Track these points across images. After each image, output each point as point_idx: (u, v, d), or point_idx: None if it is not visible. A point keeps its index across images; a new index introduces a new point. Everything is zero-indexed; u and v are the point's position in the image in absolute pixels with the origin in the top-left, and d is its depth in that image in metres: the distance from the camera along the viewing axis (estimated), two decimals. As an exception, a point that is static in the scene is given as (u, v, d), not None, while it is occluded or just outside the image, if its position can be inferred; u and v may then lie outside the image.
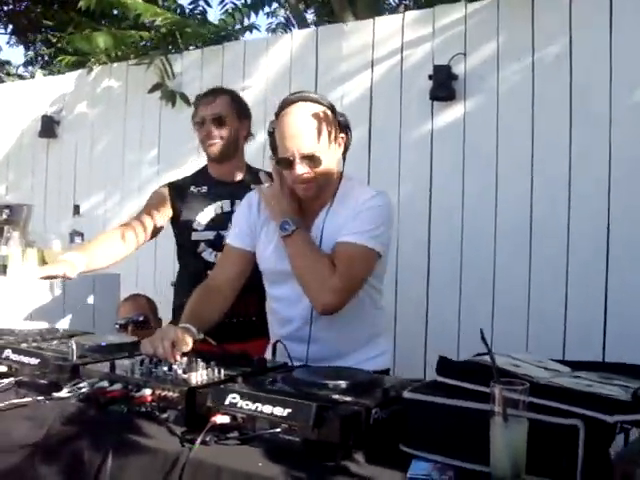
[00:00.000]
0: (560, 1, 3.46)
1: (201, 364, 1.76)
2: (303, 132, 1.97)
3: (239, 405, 1.50)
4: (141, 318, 3.21)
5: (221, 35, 4.74)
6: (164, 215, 2.80)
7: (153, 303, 3.40)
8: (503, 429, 1.25)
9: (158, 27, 4.73)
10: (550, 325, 3.36)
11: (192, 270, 2.75)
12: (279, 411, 1.45)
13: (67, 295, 3.10)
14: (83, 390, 1.72)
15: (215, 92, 2.73)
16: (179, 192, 2.80)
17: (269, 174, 2.17)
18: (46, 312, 2.85)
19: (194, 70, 4.61)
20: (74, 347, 1.89)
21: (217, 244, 2.68)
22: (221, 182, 2.77)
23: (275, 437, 1.44)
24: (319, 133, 1.98)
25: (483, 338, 1.38)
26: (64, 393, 1.73)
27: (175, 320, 2.69)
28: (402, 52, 3.84)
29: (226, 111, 2.67)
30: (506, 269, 3.52)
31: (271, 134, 2.08)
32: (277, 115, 2.06)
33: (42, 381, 1.88)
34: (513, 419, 1.24)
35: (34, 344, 2.08)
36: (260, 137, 4.13)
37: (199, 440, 1.44)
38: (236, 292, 2.23)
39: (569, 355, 2.76)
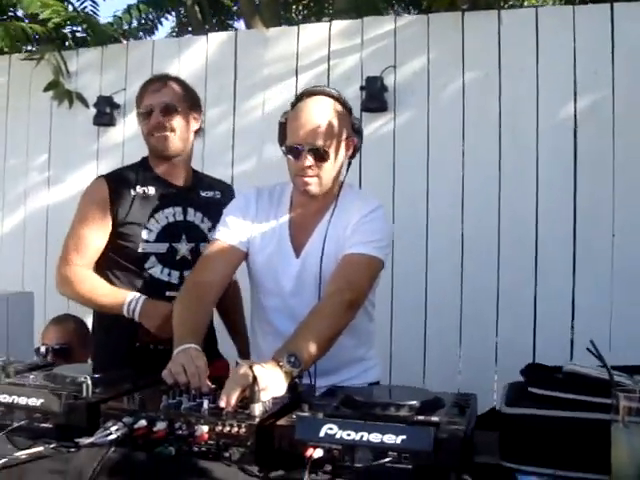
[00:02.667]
0: (489, 20, 3.58)
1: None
2: (318, 124, 1.92)
3: (338, 436, 1.36)
4: (62, 346, 2.87)
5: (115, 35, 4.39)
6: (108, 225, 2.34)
7: (84, 327, 3.03)
8: (625, 436, 1.25)
9: (47, 20, 4.29)
10: (556, 336, 3.41)
11: (140, 289, 2.31)
12: (390, 439, 1.34)
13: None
14: (117, 433, 1.47)
15: (163, 78, 2.37)
16: (121, 189, 2.33)
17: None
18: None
19: (93, 69, 4.25)
20: (89, 382, 1.63)
21: (169, 260, 2.34)
22: (170, 184, 2.39)
23: (379, 467, 1.32)
24: (333, 130, 1.94)
25: (595, 349, 1.42)
26: (97, 438, 1.46)
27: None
28: (329, 61, 3.78)
29: (177, 99, 2.32)
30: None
31: (282, 125, 2.01)
32: (293, 105, 2.01)
33: (45, 425, 1.59)
34: (634, 425, 1.25)
35: (7, 380, 1.77)
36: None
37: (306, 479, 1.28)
38: (223, 291, 2.08)
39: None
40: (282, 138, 2.01)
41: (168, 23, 7.69)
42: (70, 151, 4.27)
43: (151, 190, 2.36)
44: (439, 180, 3.60)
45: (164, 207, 2.37)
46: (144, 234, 2.32)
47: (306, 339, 1.77)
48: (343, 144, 1.99)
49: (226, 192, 2.49)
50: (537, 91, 3.49)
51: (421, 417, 1.45)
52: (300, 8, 7.69)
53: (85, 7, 4.87)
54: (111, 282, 2.35)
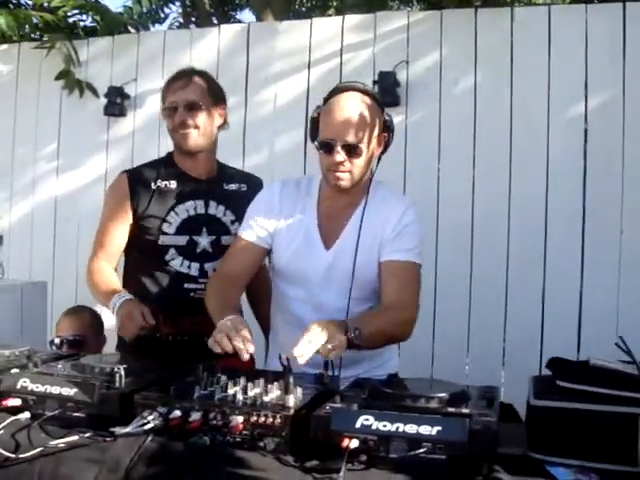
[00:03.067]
0: (501, 17, 3.60)
1: (264, 383, 1.62)
2: (351, 120, 1.92)
3: (374, 427, 1.39)
4: (76, 338, 2.86)
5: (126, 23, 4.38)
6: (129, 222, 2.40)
7: (98, 318, 3.04)
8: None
9: (57, 8, 4.28)
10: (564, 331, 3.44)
11: (160, 281, 2.38)
12: (426, 430, 1.36)
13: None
14: (153, 423, 1.49)
15: (188, 74, 2.36)
16: (141, 183, 2.38)
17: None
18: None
19: (104, 59, 4.25)
20: (122, 372, 1.64)
21: (189, 252, 2.36)
22: (192, 178, 2.41)
23: (414, 457, 1.35)
24: (365, 126, 1.94)
25: (625, 344, 1.48)
26: (133, 428, 1.48)
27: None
28: (342, 55, 3.79)
29: (201, 96, 2.33)
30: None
31: (314, 119, 2.02)
32: (325, 100, 2.01)
33: (77, 414, 1.61)
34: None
35: (35, 369, 1.78)
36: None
37: (343, 469, 1.31)
38: (247, 284, 2.15)
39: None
40: (314, 133, 2.02)
41: (171, 14, 7.68)
42: (79, 141, 4.27)
43: (172, 184, 2.39)
44: (450, 175, 3.63)
45: (184, 200, 2.39)
46: (164, 227, 2.35)
47: (371, 327, 1.85)
48: (375, 140, 2.00)
49: (253, 184, 2.49)
50: (549, 88, 3.51)
51: (452, 409, 1.47)
52: (304, 0, 7.67)
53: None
54: (136, 274, 2.41)
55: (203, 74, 2.41)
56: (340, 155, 1.93)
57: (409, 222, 2.06)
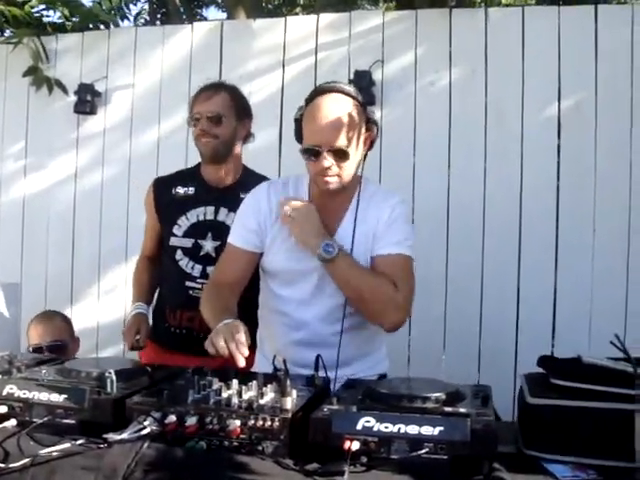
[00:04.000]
0: (476, 18, 3.63)
1: (258, 386, 1.61)
2: (335, 124, 1.91)
3: (375, 428, 1.39)
4: (57, 343, 2.83)
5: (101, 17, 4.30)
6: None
7: (69, 322, 3.02)
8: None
9: (24, 3, 4.19)
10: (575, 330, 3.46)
11: (170, 276, 2.62)
12: (427, 430, 1.37)
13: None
14: (149, 429, 1.47)
15: (215, 87, 2.51)
16: (163, 190, 2.62)
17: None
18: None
19: (73, 55, 4.16)
20: (113, 377, 1.61)
21: (194, 254, 2.53)
22: (209, 186, 2.57)
23: (416, 458, 1.36)
24: (350, 128, 1.93)
25: (620, 342, 1.53)
26: (129, 434, 1.45)
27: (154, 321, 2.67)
28: (316, 54, 3.78)
29: (224, 109, 2.46)
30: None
31: (298, 121, 2.01)
32: (307, 102, 1.99)
33: (67, 421, 1.57)
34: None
35: (19, 375, 1.74)
36: (154, 133, 3.96)
37: (347, 472, 1.30)
38: (241, 292, 2.12)
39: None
40: (299, 135, 2.01)
41: (134, 9, 7.61)
42: (48, 139, 4.18)
43: (191, 190, 2.58)
44: (426, 174, 3.64)
45: (197, 206, 2.55)
46: (174, 229, 2.55)
47: (351, 264, 1.97)
48: (361, 140, 1.99)
49: None
50: (522, 89, 3.55)
51: (449, 409, 1.48)
52: (270, -1, 7.66)
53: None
54: (162, 269, 2.69)
55: (230, 88, 2.56)
56: (327, 160, 1.93)
57: (398, 215, 2.05)
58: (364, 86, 3.58)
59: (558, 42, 3.53)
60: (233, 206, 2.44)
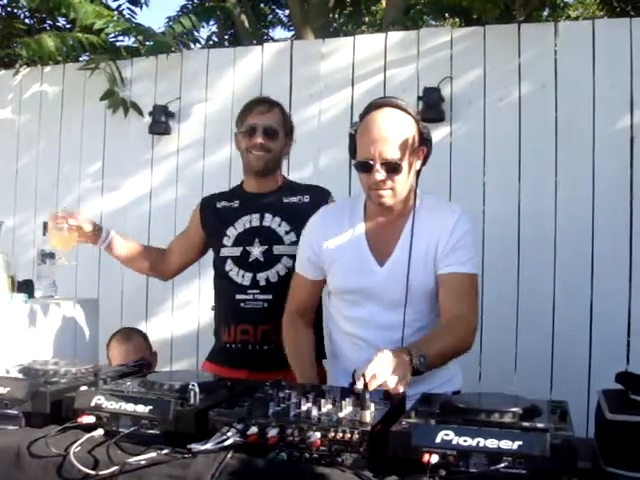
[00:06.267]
0: (545, 32, 3.60)
1: (336, 399, 1.64)
2: (388, 138, 1.92)
3: (454, 442, 1.39)
4: (143, 363, 2.89)
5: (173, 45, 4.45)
6: (196, 248, 2.73)
7: (147, 338, 3.12)
8: None
9: (101, 30, 4.37)
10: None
11: (223, 293, 2.62)
12: (507, 444, 1.36)
13: (48, 321, 2.78)
14: (232, 439, 1.50)
15: (269, 103, 2.57)
16: (209, 207, 2.67)
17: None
18: (23, 339, 2.56)
19: (147, 79, 4.32)
20: (196, 390, 1.66)
21: (243, 262, 2.53)
22: (252, 196, 2.60)
23: (494, 472, 1.35)
24: (403, 142, 1.94)
25: None
26: (214, 444, 1.49)
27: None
28: (385, 72, 3.81)
29: (278, 124, 2.52)
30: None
31: (352, 136, 2.03)
32: (362, 117, 2.01)
33: (151, 431, 1.62)
34: None
35: (105, 386, 1.80)
36: (226, 152, 4.05)
37: (426, 484, 1.31)
38: (314, 315, 2.26)
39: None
40: (352, 150, 2.03)
41: (204, 32, 7.80)
42: (124, 159, 4.34)
43: (236, 203, 2.61)
44: (495, 191, 3.63)
45: (242, 215, 2.57)
46: (224, 240, 2.56)
47: (435, 349, 1.90)
48: (414, 155, 2.00)
49: (317, 195, 2.58)
50: (593, 103, 3.51)
51: (527, 423, 1.48)
52: (337, 17, 7.74)
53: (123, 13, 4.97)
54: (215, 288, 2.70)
55: (281, 106, 2.58)
56: (380, 174, 1.94)
57: (464, 233, 2.05)
58: (433, 103, 3.61)
59: (630, 54, 3.47)
60: (277, 211, 2.54)
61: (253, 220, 2.55)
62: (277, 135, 2.51)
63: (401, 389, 1.74)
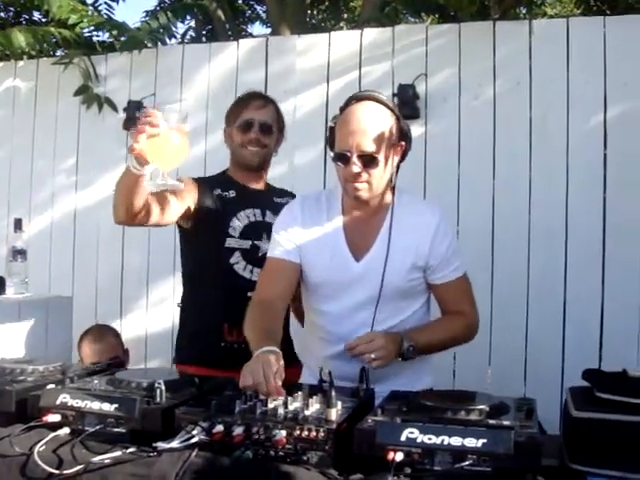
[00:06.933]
0: (520, 30, 3.62)
1: (303, 397, 1.64)
2: (366, 130, 1.91)
3: (419, 440, 1.40)
4: (115, 362, 2.86)
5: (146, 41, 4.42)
6: (185, 204, 2.37)
7: (119, 336, 3.09)
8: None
9: (75, 25, 4.32)
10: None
11: (229, 291, 2.44)
12: (471, 442, 1.37)
13: (20, 319, 2.75)
14: (197, 438, 1.49)
15: (264, 98, 2.54)
16: (206, 188, 2.47)
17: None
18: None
19: (122, 74, 4.28)
20: (162, 388, 1.65)
21: (252, 257, 2.46)
22: (248, 190, 2.55)
23: (459, 470, 1.36)
24: (381, 135, 1.93)
25: None
26: (179, 442, 1.48)
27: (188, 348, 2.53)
28: (360, 69, 3.81)
29: (273, 120, 2.50)
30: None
31: (332, 129, 2.01)
32: (342, 110, 1.99)
33: (117, 430, 1.61)
34: None
35: (72, 385, 1.78)
36: (201, 147, 4.03)
37: (391, 482, 1.31)
38: (286, 309, 2.13)
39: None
40: (332, 143, 2.02)
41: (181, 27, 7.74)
42: (98, 155, 4.30)
43: (232, 193, 2.51)
44: (470, 187, 3.64)
45: (244, 208, 2.50)
46: (230, 230, 2.46)
47: (426, 339, 2.03)
48: (392, 149, 1.98)
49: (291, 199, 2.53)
50: (567, 100, 3.53)
51: (493, 421, 1.48)
52: (315, 13, 7.73)
53: (101, 10, 4.94)
54: (199, 281, 2.53)
55: (275, 102, 2.56)
56: (356, 166, 1.92)
57: (450, 239, 2.09)
58: (408, 100, 3.61)
59: (604, 52, 3.50)
60: (274, 210, 2.47)
61: (256, 215, 2.51)
62: (272, 131, 2.49)
63: (374, 366, 1.85)
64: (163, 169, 1.84)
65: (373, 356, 1.86)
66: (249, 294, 2.31)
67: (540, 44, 3.59)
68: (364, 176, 1.95)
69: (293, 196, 2.59)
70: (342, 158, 1.95)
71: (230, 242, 2.45)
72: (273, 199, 2.57)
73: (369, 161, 1.93)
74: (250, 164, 2.51)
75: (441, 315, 2.16)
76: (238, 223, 2.48)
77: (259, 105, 2.48)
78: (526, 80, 3.58)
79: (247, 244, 2.47)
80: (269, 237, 2.38)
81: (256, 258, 2.44)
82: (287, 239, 2.10)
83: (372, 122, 1.92)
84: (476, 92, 3.66)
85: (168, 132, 1.78)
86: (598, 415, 1.48)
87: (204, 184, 2.48)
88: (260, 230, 2.48)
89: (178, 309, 2.69)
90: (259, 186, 2.59)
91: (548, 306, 3.51)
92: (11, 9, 6.77)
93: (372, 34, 3.87)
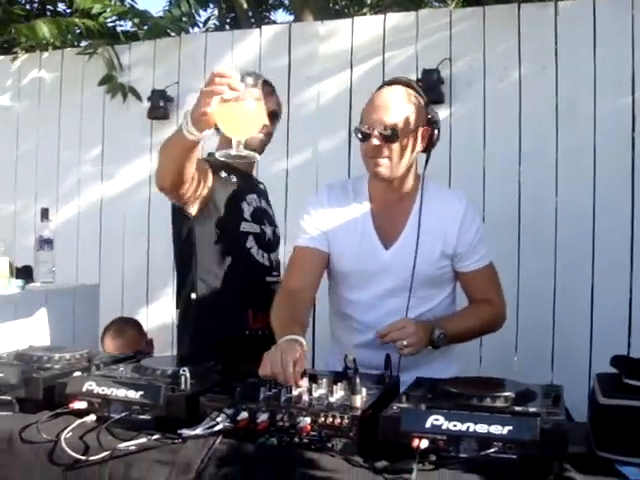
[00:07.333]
0: (545, 12, 3.56)
1: (328, 384, 1.63)
2: (389, 107, 1.94)
3: (444, 427, 1.38)
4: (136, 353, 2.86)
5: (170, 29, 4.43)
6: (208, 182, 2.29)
7: (141, 328, 3.11)
8: None
9: (98, 14, 4.34)
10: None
11: (249, 275, 2.39)
12: (497, 429, 1.35)
13: (47, 307, 2.78)
14: (222, 425, 1.50)
15: (269, 85, 2.42)
16: (217, 171, 2.35)
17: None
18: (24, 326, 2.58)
19: (146, 63, 4.29)
20: (187, 375, 1.66)
21: (261, 241, 2.43)
22: (246, 174, 2.51)
23: (484, 457, 1.34)
24: (404, 112, 1.95)
25: None
26: (203, 429, 1.49)
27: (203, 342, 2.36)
28: (384, 54, 3.78)
29: (274, 108, 2.44)
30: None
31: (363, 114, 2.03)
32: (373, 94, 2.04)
33: (142, 417, 1.61)
34: None
35: (98, 372, 1.80)
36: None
37: (415, 470, 1.30)
38: (315, 297, 2.13)
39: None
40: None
41: (204, 15, 7.73)
42: (123, 144, 4.32)
43: (234, 178, 2.44)
44: (495, 172, 3.60)
45: (248, 193, 2.47)
46: (244, 214, 2.41)
47: (457, 327, 2.03)
48: (416, 133, 1.98)
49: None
50: (594, 82, 3.47)
51: (519, 408, 1.47)
52: (339, -1, 7.67)
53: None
54: (217, 267, 2.37)
55: (271, 84, 2.45)
56: (376, 139, 1.94)
57: (477, 227, 2.09)
58: (432, 84, 3.58)
59: (632, 34, 3.43)
60: (263, 195, 2.57)
61: (255, 200, 2.49)
62: (278, 117, 2.49)
63: (406, 352, 1.86)
64: (238, 138, 1.64)
65: (405, 343, 1.85)
66: (267, 279, 2.38)
67: (566, 26, 3.52)
68: (385, 152, 1.96)
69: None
70: (363, 133, 1.97)
71: (245, 226, 2.40)
72: (257, 185, 2.60)
73: (388, 136, 1.93)
74: (258, 151, 2.34)
75: (468, 304, 2.15)
76: (248, 207, 2.43)
77: (267, 92, 2.32)
78: (552, 63, 3.52)
79: (258, 228, 2.44)
80: (269, 222, 2.50)
81: (264, 242, 2.45)
82: (314, 227, 2.11)
83: (396, 100, 1.96)
84: (501, 75, 3.61)
85: (245, 96, 1.59)
86: (626, 402, 1.45)
87: (214, 165, 2.33)
88: (262, 215, 2.48)
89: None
90: (249, 171, 2.58)
91: (576, 291, 3.46)
92: (35, 1, 6.81)
93: (395, 18, 3.83)
